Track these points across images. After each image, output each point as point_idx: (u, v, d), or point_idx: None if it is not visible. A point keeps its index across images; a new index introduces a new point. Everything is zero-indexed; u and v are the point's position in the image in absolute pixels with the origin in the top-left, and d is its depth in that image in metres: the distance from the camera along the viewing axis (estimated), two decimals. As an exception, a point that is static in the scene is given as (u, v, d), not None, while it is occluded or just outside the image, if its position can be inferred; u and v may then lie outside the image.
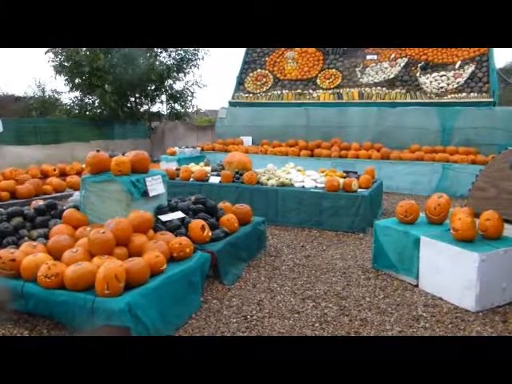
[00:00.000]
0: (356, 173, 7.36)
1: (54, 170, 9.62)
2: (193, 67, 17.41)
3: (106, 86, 14.69)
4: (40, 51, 40.73)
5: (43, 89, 20.34)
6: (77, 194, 5.36)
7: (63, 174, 9.66)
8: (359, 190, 6.44)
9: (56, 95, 18.55)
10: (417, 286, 4.21)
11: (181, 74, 17.33)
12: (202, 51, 17.26)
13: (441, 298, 3.92)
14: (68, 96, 16.59)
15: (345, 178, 6.87)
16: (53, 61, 15.19)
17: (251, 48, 14.80)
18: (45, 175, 9.34)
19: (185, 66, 17.20)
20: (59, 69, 15.23)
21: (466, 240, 3.84)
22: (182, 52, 17.05)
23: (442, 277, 3.90)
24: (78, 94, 16.17)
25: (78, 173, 9.78)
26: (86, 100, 16.23)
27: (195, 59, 17.24)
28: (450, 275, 3.81)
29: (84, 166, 9.64)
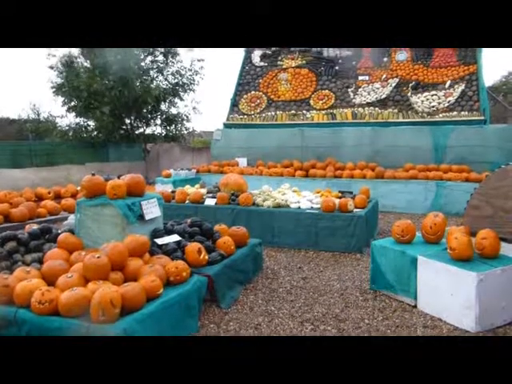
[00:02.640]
0: (351, 193, 7.38)
1: (49, 192, 9.59)
2: (189, 91, 17.57)
3: (104, 108, 14.78)
4: (35, 73, 40.97)
5: (38, 111, 20.46)
6: (72, 218, 5.33)
7: (58, 197, 9.64)
8: (355, 210, 6.44)
9: (52, 118, 18.66)
10: (415, 306, 4.18)
11: (177, 99, 17.49)
12: (198, 76, 17.50)
13: (440, 319, 3.89)
14: (63, 120, 16.63)
15: (340, 198, 6.88)
16: (52, 82, 15.35)
17: (245, 70, 14.99)
18: (39, 198, 9.30)
19: (180, 90, 17.35)
20: (58, 90, 15.37)
21: (463, 259, 3.83)
22: (178, 76, 17.24)
23: (441, 297, 3.88)
24: (73, 116, 16.30)
25: (73, 195, 9.75)
26: (81, 123, 16.31)
27: (191, 83, 17.41)
28: (449, 295, 3.79)
29: (79, 188, 9.63)
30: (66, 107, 15.97)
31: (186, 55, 17.78)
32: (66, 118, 16.59)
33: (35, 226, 4.87)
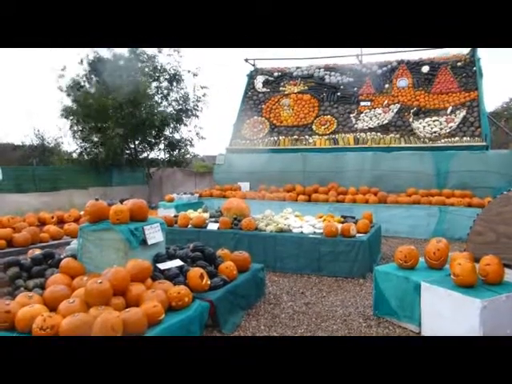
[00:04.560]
0: (354, 217, 7.38)
1: (52, 217, 9.61)
2: (192, 116, 17.78)
3: (117, 129, 14.91)
4: (39, 99, 41.51)
5: (42, 137, 20.63)
6: (74, 243, 5.33)
7: (61, 222, 9.65)
8: (357, 234, 6.43)
9: (57, 142, 18.86)
10: (419, 333, 4.13)
11: (180, 125, 17.68)
12: (201, 102, 17.76)
13: (444, 346, 3.84)
14: (69, 143, 16.85)
15: (343, 222, 6.88)
16: (61, 104, 15.60)
17: (247, 96, 15.20)
18: (42, 223, 9.32)
19: (184, 115, 17.57)
20: (67, 113, 15.57)
21: (466, 286, 3.80)
22: (182, 102, 17.47)
23: (445, 323, 3.83)
24: (80, 140, 16.44)
25: (76, 220, 9.77)
26: (87, 147, 16.44)
27: (194, 109, 17.64)
28: (453, 322, 3.74)
29: (82, 213, 9.66)
30: (73, 130, 16.15)
31: (190, 81, 18.13)
32: (73, 141, 16.75)
33: (38, 251, 4.88)
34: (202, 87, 17.66)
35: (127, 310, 3.35)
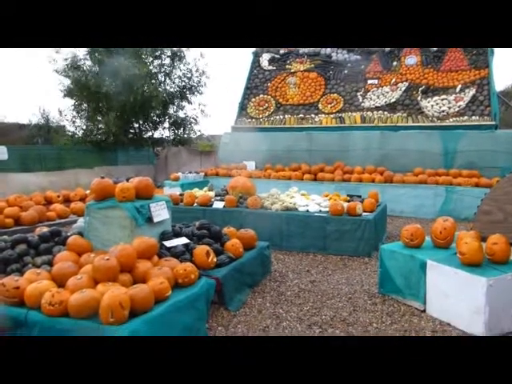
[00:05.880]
0: (360, 196, 7.36)
1: (58, 196, 9.65)
2: (196, 93, 17.64)
3: (110, 114, 14.87)
4: (45, 78, 41.33)
5: (47, 117, 20.60)
6: (81, 221, 5.36)
7: (67, 201, 9.69)
8: (363, 213, 6.42)
9: (61, 121, 18.84)
10: (424, 311, 4.15)
11: (184, 103, 17.55)
12: (204, 76, 17.62)
13: (449, 324, 3.86)
14: (72, 121, 16.66)
15: (349, 201, 6.86)
16: (63, 85, 15.52)
17: (253, 74, 15.03)
18: (49, 202, 9.36)
19: (188, 92, 17.42)
20: (68, 93, 15.51)
21: (473, 264, 3.79)
22: (185, 79, 17.32)
23: (450, 302, 3.84)
24: (83, 121, 16.41)
25: (82, 199, 9.81)
26: (91, 126, 16.42)
27: (198, 86, 17.48)
28: (458, 300, 3.75)
29: (88, 192, 9.69)
30: (76, 110, 16.12)
31: (188, 55, 18.09)
32: (77, 121, 16.68)
33: (45, 229, 4.91)
34: (200, 57, 17.61)
35: (134, 286, 3.37)
